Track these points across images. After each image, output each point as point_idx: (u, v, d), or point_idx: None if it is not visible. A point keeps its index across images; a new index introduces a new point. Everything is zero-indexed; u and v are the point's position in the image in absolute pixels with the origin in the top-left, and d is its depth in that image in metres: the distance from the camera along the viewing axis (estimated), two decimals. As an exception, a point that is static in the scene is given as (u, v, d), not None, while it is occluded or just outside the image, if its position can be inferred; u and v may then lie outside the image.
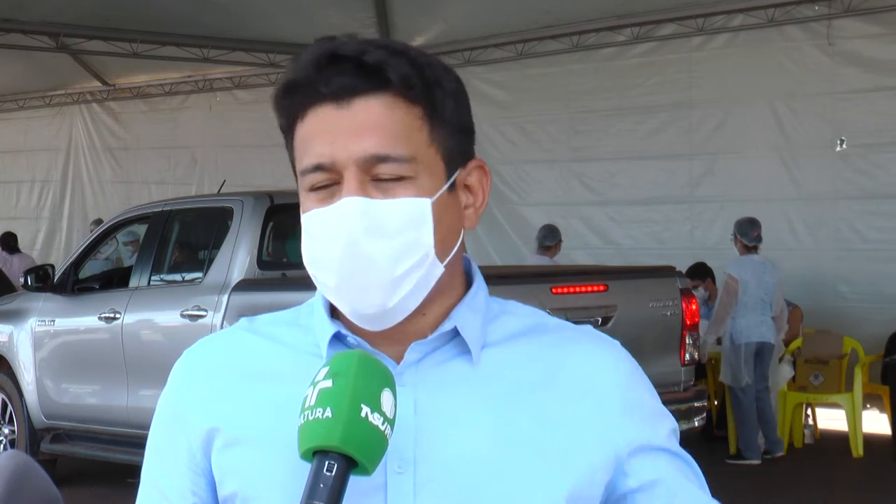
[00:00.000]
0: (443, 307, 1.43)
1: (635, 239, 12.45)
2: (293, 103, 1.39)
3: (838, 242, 11.09)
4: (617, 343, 1.51)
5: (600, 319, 7.10)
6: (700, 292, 10.38)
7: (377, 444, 1.27)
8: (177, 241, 8.73)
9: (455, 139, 1.42)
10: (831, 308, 10.95)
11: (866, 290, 10.89)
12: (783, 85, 11.39)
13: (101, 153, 18.29)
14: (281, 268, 7.98)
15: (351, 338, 1.42)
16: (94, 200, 18.19)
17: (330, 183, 1.37)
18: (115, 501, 8.72)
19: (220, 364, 1.48)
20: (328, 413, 1.25)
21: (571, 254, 11.77)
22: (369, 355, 1.32)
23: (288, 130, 1.42)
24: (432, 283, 1.39)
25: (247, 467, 1.40)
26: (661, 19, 12.08)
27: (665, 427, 1.47)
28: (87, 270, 9.48)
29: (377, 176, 1.36)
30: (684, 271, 10.52)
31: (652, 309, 7.62)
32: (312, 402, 1.27)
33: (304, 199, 1.40)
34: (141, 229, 10.16)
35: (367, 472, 1.27)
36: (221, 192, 9.28)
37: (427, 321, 1.42)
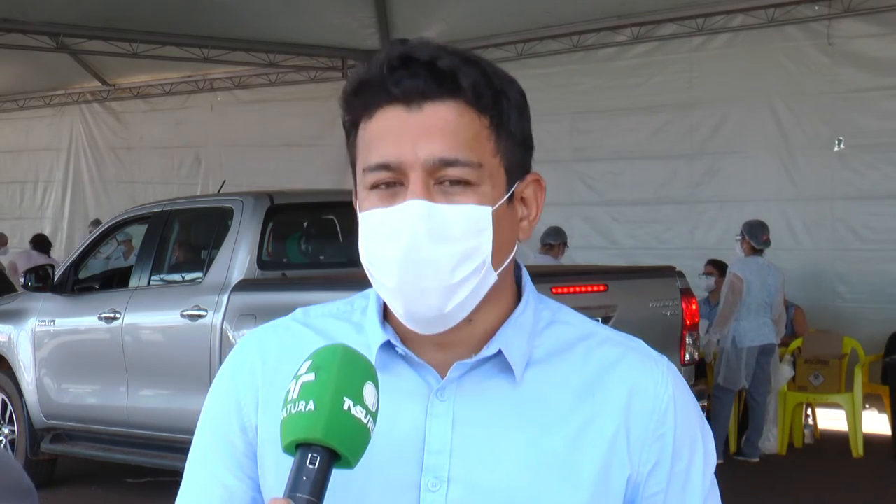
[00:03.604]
0: (490, 315, 1.43)
1: (637, 239, 12.46)
2: (362, 102, 1.40)
3: (836, 242, 11.09)
4: (664, 362, 1.49)
5: (600, 319, 7.09)
6: (709, 282, 10.42)
7: (360, 437, 1.27)
8: (177, 241, 8.73)
9: (517, 151, 1.43)
10: (830, 308, 10.96)
11: (865, 290, 10.89)
12: (783, 85, 11.39)
13: (104, 153, 18.30)
14: (281, 268, 7.98)
15: (399, 348, 1.43)
16: (97, 200, 18.20)
17: (393, 182, 1.38)
18: (115, 501, 8.73)
19: (274, 357, 1.49)
20: (311, 406, 1.26)
21: (573, 253, 11.77)
22: (352, 349, 1.32)
23: (352, 127, 1.42)
24: (485, 290, 1.40)
25: (286, 463, 1.41)
26: (661, 19, 12.08)
27: (690, 456, 1.46)
28: (88, 270, 9.48)
29: (442, 179, 1.37)
30: (701, 263, 10.67)
31: (652, 309, 7.62)
32: (295, 396, 1.27)
33: (364, 197, 1.40)
34: (134, 230, 10.16)
35: (349, 465, 1.27)
36: (222, 191, 9.28)
37: (474, 330, 1.43)
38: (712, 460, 1.49)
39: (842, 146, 11.00)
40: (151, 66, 15.61)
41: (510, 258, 1.45)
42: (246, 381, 1.49)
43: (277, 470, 1.43)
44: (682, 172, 12.10)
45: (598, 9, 12.22)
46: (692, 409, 1.48)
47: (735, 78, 11.71)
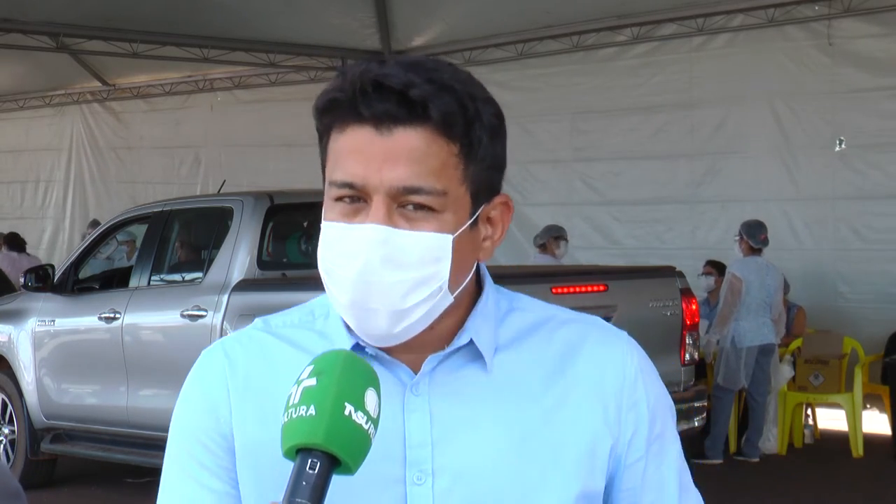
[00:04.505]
0: (451, 320, 1.45)
1: (638, 239, 12.46)
2: (332, 118, 1.40)
3: (838, 242, 11.09)
4: (624, 335, 1.53)
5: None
6: (709, 281, 10.41)
7: (361, 443, 1.27)
8: (177, 241, 8.72)
9: (486, 175, 1.42)
10: (831, 308, 10.96)
11: (866, 290, 10.89)
12: (783, 85, 11.39)
13: (104, 153, 18.30)
14: (281, 268, 7.98)
15: (370, 349, 1.44)
16: (97, 200, 18.20)
17: (357, 198, 1.39)
18: (116, 501, 8.73)
19: (241, 366, 1.48)
20: (311, 411, 1.25)
21: (575, 253, 11.77)
22: (354, 354, 1.33)
23: (325, 134, 1.43)
24: (439, 312, 1.41)
25: (266, 470, 1.41)
26: (661, 19, 12.08)
27: (662, 421, 1.52)
28: (89, 270, 9.47)
29: (405, 204, 1.37)
30: (702, 264, 10.67)
31: (652, 309, 7.62)
32: (296, 400, 1.27)
33: (329, 207, 1.41)
34: (137, 230, 10.16)
35: (349, 471, 1.27)
36: (222, 191, 9.28)
37: (436, 333, 1.44)
38: (673, 412, 1.55)
39: (843, 146, 11.00)
40: (151, 66, 15.60)
41: (469, 278, 1.45)
42: (218, 390, 1.47)
43: (256, 478, 1.43)
44: (683, 172, 12.10)
45: (598, 9, 12.21)
46: (657, 378, 1.53)
47: (735, 78, 11.71)
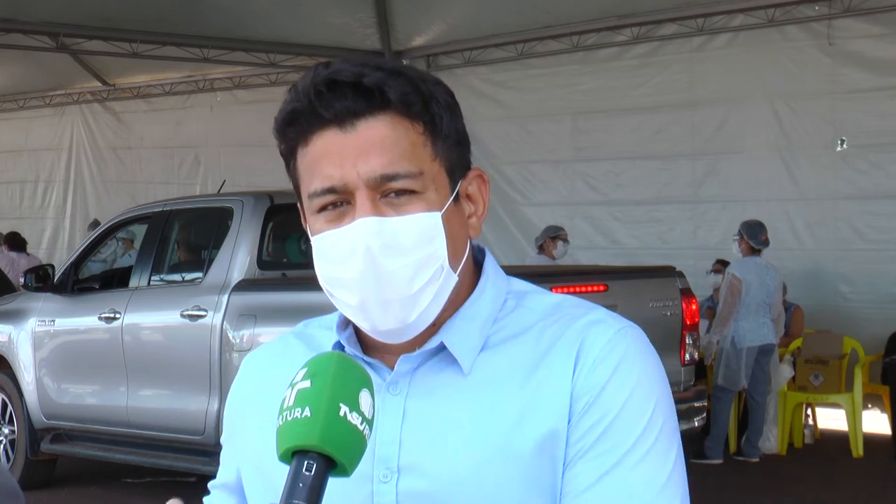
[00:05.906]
0: (449, 314, 1.45)
1: (640, 239, 12.46)
2: (296, 130, 1.42)
3: (839, 242, 11.09)
4: (620, 323, 1.44)
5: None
6: (717, 279, 10.41)
7: (356, 444, 1.27)
8: (177, 241, 8.72)
9: (454, 150, 1.45)
10: (831, 308, 10.96)
11: (866, 290, 10.89)
12: (784, 85, 11.40)
13: (104, 153, 18.31)
14: (281, 268, 7.98)
15: (349, 349, 1.46)
16: (97, 200, 18.21)
17: (340, 203, 1.40)
18: (115, 501, 8.73)
19: (269, 374, 1.55)
20: (307, 413, 1.25)
21: (576, 253, 11.77)
22: (347, 356, 1.33)
23: (290, 155, 1.45)
24: (448, 293, 1.42)
25: (274, 475, 1.42)
26: (662, 19, 12.08)
27: (631, 420, 1.38)
28: (87, 271, 9.47)
29: (387, 192, 1.38)
30: (703, 264, 10.68)
31: (652, 309, 7.62)
32: (291, 403, 1.27)
33: (314, 221, 1.43)
34: (136, 229, 10.16)
35: (345, 472, 1.27)
36: (222, 191, 9.28)
37: (437, 330, 1.45)
38: (662, 425, 1.39)
39: (844, 146, 11.00)
40: (151, 66, 15.60)
41: (466, 256, 1.46)
42: (249, 398, 1.57)
43: (266, 484, 1.46)
44: (684, 172, 12.10)
45: (598, 9, 12.22)
46: (645, 371, 1.41)
47: (736, 78, 11.71)
